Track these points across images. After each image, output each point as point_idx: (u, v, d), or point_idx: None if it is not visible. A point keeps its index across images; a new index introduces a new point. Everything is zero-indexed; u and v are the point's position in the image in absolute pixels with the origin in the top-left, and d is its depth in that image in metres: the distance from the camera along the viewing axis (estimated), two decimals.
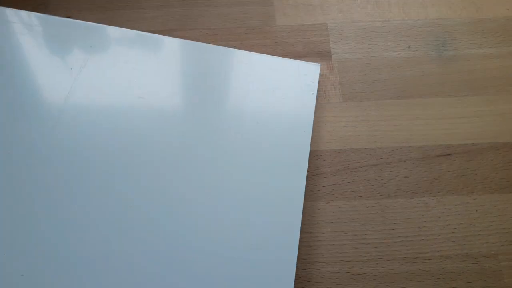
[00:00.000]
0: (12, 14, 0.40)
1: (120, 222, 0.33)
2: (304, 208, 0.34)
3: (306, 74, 0.38)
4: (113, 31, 0.40)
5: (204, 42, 0.41)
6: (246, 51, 0.39)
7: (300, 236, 0.33)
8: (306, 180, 0.35)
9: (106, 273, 0.31)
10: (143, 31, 0.41)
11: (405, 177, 0.36)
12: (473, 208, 0.35)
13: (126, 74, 0.38)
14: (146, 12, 0.43)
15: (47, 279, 0.30)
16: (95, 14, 0.42)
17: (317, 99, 0.38)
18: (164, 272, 0.31)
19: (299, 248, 0.32)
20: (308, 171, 0.35)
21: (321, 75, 0.40)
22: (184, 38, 0.41)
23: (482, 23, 0.43)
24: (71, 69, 0.37)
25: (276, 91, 0.38)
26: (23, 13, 0.40)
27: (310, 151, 0.36)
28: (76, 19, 0.42)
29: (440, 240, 0.34)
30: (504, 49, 0.41)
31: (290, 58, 0.40)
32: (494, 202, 0.35)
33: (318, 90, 0.39)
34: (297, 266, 0.32)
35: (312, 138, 0.36)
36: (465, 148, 0.37)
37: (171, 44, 0.40)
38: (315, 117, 0.37)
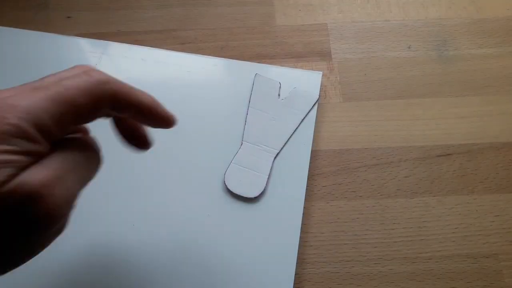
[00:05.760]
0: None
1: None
2: (304, 208, 0.34)
3: (307, 83, 0.38)
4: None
5: (203, 43, 0.41)
6: (242, 61, 0.39)
7: (300, 235, 0.33)
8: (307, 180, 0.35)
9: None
10: (143, 31, 0.42)
11: (405, 177, 0.36)
12: (474, 208, 0.35)
13: None
14: (146, 12, 0.43)
15: None
16: (96, 14, 0.42)
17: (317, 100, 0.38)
18: (162, 271, 0.31)
19: (299, 248, 0.33)
20: (308, 171, 0.35)
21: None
22: (184, 38, 0.41)
23: (483, 23, 0.42)
24: None
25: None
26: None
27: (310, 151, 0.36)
28: (76, 19, 0.42)
29: (440, 240, 0.34)
30: (505, 49, 0.41)
31: (290, 58, 0.41)
32: (495, 202, 0.35)
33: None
34: (297, 266, 0.32)
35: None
36: (465, 148, 0.37)
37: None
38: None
